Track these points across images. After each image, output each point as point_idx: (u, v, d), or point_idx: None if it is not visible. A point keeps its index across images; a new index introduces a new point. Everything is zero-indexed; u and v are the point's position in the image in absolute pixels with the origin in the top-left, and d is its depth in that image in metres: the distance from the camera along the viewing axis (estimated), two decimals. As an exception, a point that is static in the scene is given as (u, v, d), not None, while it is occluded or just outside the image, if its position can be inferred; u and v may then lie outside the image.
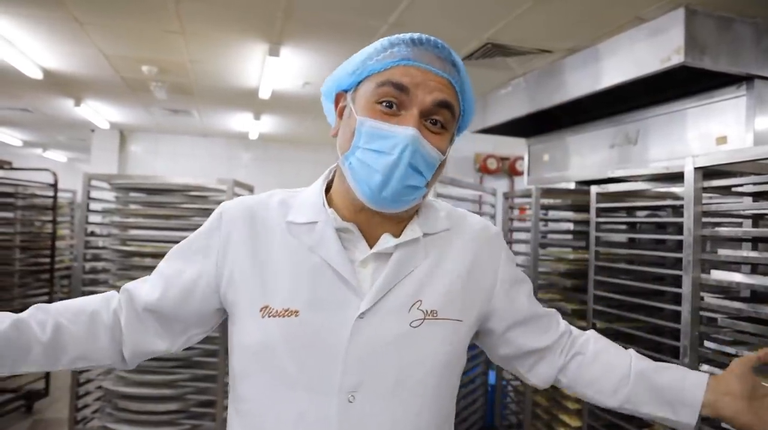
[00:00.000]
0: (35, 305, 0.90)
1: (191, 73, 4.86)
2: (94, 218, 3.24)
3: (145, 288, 0.93)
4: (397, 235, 0.88)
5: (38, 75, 4.84)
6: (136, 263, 2.96)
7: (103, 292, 0.95)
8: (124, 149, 8.31)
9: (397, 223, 0.89)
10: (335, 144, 0.90)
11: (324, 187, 0.92)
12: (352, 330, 0.83)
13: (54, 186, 4.22)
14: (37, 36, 4.01)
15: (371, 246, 0.88)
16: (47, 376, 4.13)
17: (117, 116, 7.12)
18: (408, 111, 0.82)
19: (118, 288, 0.95)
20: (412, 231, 0.89)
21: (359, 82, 0.86)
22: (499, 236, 0.99)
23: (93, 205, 3.16)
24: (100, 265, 3.28)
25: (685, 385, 0.93)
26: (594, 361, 0.98)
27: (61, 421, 3.65)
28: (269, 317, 0.84)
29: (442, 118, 0.84)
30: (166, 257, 0.95)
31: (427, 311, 0.86)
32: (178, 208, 3.02)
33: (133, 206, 3.12)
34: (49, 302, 4.60)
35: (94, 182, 3.12)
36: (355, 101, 0.86)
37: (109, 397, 3.01)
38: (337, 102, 0.92)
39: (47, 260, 4.26)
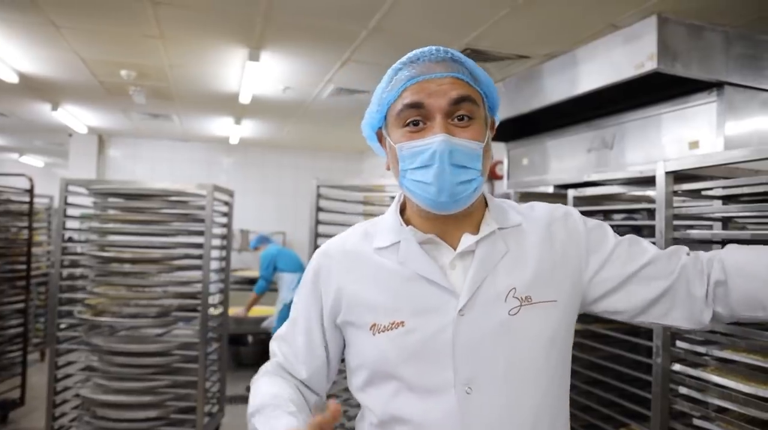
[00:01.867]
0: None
1: (171, 77, 4.82)
2: (71, 224, 3.19)
3: (288, 362, 1.05)
4: (474, 233, 0.95)
5: (14, 79, 4.76)
6: (115, 269, 2.91)
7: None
8: (102, 154, 8.20)
9: (472, 223, 0.96)
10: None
11: (398, 210, 1.01)
12: (455, 328, 0.89)
13: (30, 192, 4.16)
14: (13, 40, 3.96)
15: (455, 249, 0.94)
16: (23, 385, 4.03)
17: (95, 121, 7.02)
18: (432, 121, 0.89)
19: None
20: (487, 226, 0.95)
21: (385, 116, 0.96)
22: (567, 214, 1.00)
23: (70, 211, 3.12)
24: (77, 271, 3.23)
25: None
26: (738, 278, 0.90)
27: (37, 431, 3.59)
28: (379, 332, 0.93)
29: (466, 111, 0.90)
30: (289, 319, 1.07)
31: (522, 298, 0.91)
32: (158, 213, 3.00)
33: (111, 212, 3.09)
34: (25, 309, 4.49)
35: (71, 188, 3.09)
36: (389, 133, 0.95)
37: (87, 405, 2.97)
38: (380, 140, 1.01)
39: (23, 266, 4.19)
